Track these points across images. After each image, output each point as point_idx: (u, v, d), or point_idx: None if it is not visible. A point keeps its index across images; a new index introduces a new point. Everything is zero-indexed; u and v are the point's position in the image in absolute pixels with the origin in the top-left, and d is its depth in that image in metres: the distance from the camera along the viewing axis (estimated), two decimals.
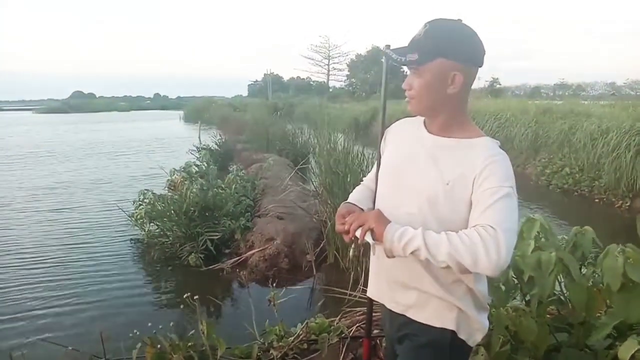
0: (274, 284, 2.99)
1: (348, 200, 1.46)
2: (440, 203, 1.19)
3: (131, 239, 5.72)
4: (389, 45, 1.25)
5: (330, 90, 53.36)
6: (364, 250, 3.95)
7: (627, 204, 7.51)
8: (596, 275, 1.93)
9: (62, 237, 5.95)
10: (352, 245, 1.34)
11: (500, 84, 39.59)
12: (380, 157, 1.43)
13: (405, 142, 1.35)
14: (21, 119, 40.10)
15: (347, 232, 1.24)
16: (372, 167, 1.51)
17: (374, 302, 1.49)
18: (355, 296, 3.62)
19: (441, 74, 1.18)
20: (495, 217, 1.08)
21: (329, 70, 54.09)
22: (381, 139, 1.46)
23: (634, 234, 1.80)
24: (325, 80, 55.12)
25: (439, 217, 1.19)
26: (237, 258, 4.84)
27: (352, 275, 4.08)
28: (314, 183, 5.80)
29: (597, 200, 8.19)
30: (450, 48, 1.17)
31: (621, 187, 7.78)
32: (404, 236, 1.11)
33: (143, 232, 5.44)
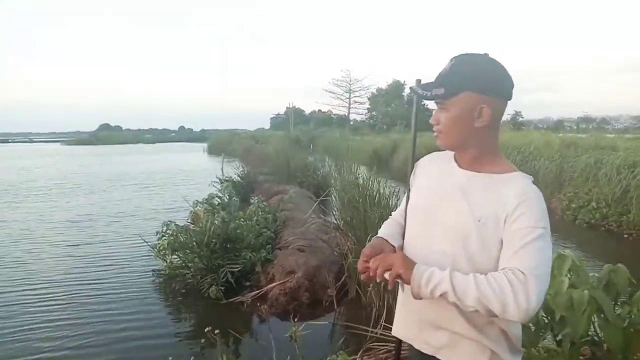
0: (295, 319, 2.94)
1: (378, 235, 1.43)
2: (472, 241, 1.16)
3: (153, 271, 5.75)
4: (420, 80, 1.27)
5: (351, 123, 53.77)
6: (385, 285, 3.88)
7: None
8: (632, 315, 1.85)
9: (81, 270, 5.97)
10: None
11: (522, 117, 39.46)
12: (409, 192, 1.41)
13: (435, 177, 1.33)
14: (50, 151, 41.30)
15: (371, 276, 1.22)
16: (397, 200, 1.50)
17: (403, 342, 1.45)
18: (377, 333, 3.53)
19: (468, 107, 1.17)
20: (527, 261, 1.04)
21: (350, 104, 54.66)
22: (411, 172, 1.44)
23: None
24: (346, 114, 55.64)
25: (470, 255, 1.16)
26: (258, 291, 4.79)
27: (374, 311, 4.00)
28: (335, 215, 5.77)
29: (625, 236, 7.95)
30: (476, 81, 1.17)
31: None
32: (431, 280, 1.09)
33: (165, 264, 5.46)
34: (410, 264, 1.15)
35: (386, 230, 1.47)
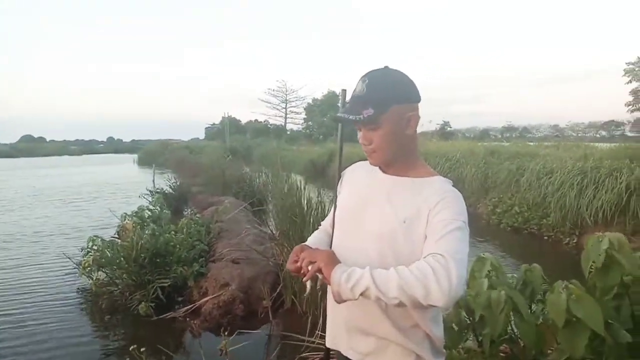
0: (226, 332, 2.88)
1: (306, 243, 1.44)
2: (400, 242, 1.19)
3: (78, 289, 5.44)
4: (345, 90, 1.30)
5: (288, 133, 53.91)
6: (322, 294, 3.90)
7: (574, 241, 7.80)
8: (545, 312, 1.97)
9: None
10: (308, 284, 1.32)
11: (450, 127, 41.26)
12: (336, 199, 1.43)
13: (361, 185, 1.37)
14: None
15: (299, 269, 1.22)
16: (330, 209, 1.51)
17: (332, 351, 1.45)
18: (313, 342, 3.54)
19: (399, 120, 1.23)
20: (447, 247, 1.08)
21: (286, 114, 54.85)
22: (338, 182, 1.47)
23: (581, 270, 1.85)
24: (283, 124, 55.75)
25: (399, 257, 1.18)
26: (190, 306, 4.65)
27: (309, 320, 4.00)
28: (271, 226, 5.73)
29: (546, 238, 8.48)
30: (399, 92, 1.23)
31: (567, 224, 8.11)
32: (351, 277, 1.08)
33: (91, 281, 5.18)
34: (334, 261, 1.15)
35: (314, 239, 1.48)
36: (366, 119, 1.19)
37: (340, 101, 1.41)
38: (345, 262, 1.17)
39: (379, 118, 1.20)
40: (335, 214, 1.40)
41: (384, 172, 1.33)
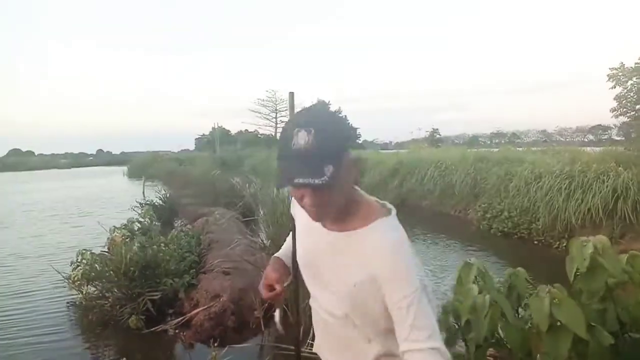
0: (216, 344, 2.87)
1: (279, 254, 1.44)
2: (357, 303, 1.14)
3: (67, 303, 5.39)
4: (293, 93, 1.24)
5: None
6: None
7: (564, 245, 7.86)
8: (532, 316, 1.98)
9: None
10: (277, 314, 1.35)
11: (440, 134, 41.58)
12: (294, 222, 1.37)
13: (306, 235, 1.28)
14: None
15: (277, 296, 1.27)
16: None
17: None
18: (305, 352, 3.52)
19: (349, 169, 1.07)
20: (424, 333, 1.04)
21: (276, 124, 54.85)
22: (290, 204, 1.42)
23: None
24: (273, 133, 55.75)
25: (362, 316, 1.16)
26: (181, 318, 4.63)
27: (302, 329, 3.98)
28: (262, 235, 5.72)
29: (535, 242, 8.54)
30: (347, 137, 1.12)
31: (556, 228, 8.18)
32: None
33: (81, 295, 5.14)
34: None
35: (284, 250, 1.48)
36: (329, 178, 0.97)
37: (288, 105, 1.35)
38: (318, 313, 1.26)
39: (339, 174, 1.00)
40: (297, 258, 1.33)
41: (323, 225, 1.19)
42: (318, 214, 1.11)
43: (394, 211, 1.18)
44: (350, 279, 1.12)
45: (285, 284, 1.34)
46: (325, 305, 1.23)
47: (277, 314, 1.30)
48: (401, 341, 1.07)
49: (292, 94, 1.35)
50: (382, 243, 1.10)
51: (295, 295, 1.38)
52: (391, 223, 1.15)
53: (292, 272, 1.39)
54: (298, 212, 1.28)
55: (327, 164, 0.98)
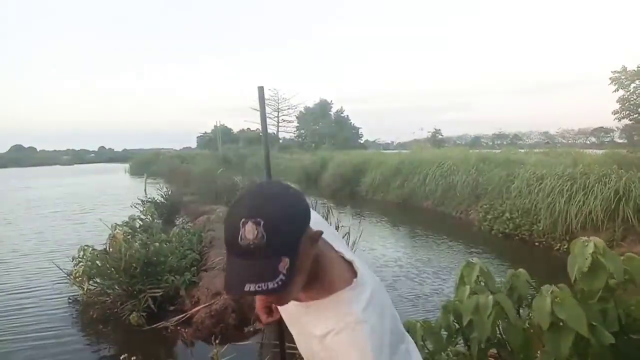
0: (217, 341, 2.88)
1: None
2: None
3: (69, 299, 5.41)
4: (262, 87, 1.18)
5: (280, 141, 53.99)
6: None
7: (565, 247, 7.85)
8: (532, 317, 1.99)
9: None
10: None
11: (442, 135, 41.54)
12: None
13: None
14: None
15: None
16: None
17: None
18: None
19: (309, 249, 0.93)
20: None
21: (278, 122, 54.87)
22: None
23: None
24: (275, 132, 55.78)
25: None
26: (182, 315, 4.64)
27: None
28: None
29: (537, 244, 8.53)
30: (303, 218, 0.92)
31: (558, 230, 8.18)
32: None
33: (82, 291, 5.15)
34: None
35: None
36: (288, 274, 0.85)
37: (258, 100, 1.30)
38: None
39: (295, 265, 0.87)
40: None
41: None
42: (279, 304, 1.04)
43: (359, 275, 1.03)
44: (314, 349, 1.03)
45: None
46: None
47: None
48: None
49: (261, 88, 1.29)
50: (340, 323, 0.97)
51: None
52: (353, 296, 1.00)
53: None
54: None
55: (281, 258, 0.85)
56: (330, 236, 1.10)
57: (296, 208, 0.91)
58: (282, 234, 0.85)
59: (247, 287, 0.83)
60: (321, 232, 0.96)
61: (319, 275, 1.00)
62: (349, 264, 1.05)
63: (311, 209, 0.98)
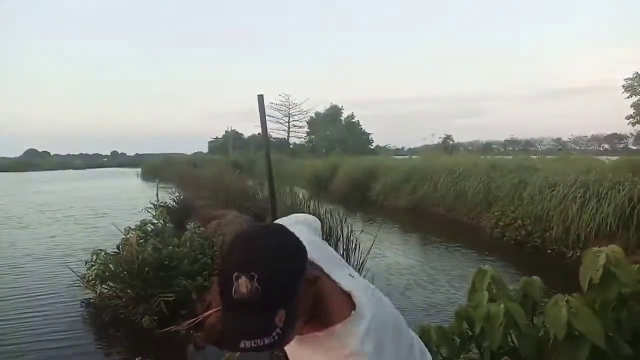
0: None
1: None
2: None
3: (82, 302, 5.46)
4: (262, 95, 1.18)
5: (291, 146, 54.15)
6: None
7: (578, 254, 7.76)
8: (547, 325, 1.98)
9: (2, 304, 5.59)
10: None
11: (453, 140, 41.38)
12: None
13: None
14: None
15: None
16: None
17: None
18: None
19: (304, 298, 0.90)
20: None
21: (289, 128, 55.06)
22: None
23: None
24: (286, 137, 55.95)
25: None
26: (194, 319, 4.65)
27: None
28: None
29: (549, 251, 8.45)
30: (299, 265, 0.89)
31: (570, 237, 8.09)
32: None
33: (94, 294, 5.20)
34: None
35: None
36: (285, 329, 0.83)
37: (258, 108, 1.29)
38: None
39: (294, 315, 0.86)
40: None
41: None
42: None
43: (357, 308, 1.00)
44: None
45: None
46: None
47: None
48: None
49: (261, 97, 1.30)
50: (329, 358, 0.97)
51: None
52: (349, 330, 0.98)
53: None
54: None
55: (277, 311, 0.83)
56: (328, 262, 1.07)
57: (291, 256, 0.89)
58: (277, 286, 0.83)
59: (242, 344, 0.80)
60: (318, 276, 0.95)
61: (318, 312, 0.97)
62: (348, 297, 1.01)
63: (307, 229, 1.01)
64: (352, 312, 0.98)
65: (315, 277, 0.94)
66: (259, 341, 0.80)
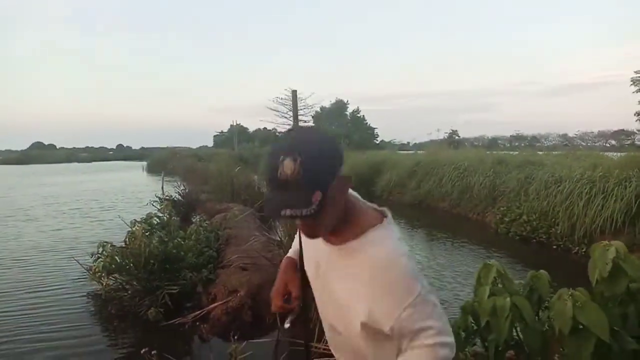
0: (235, 337, 2.90)
1: (292, 254, 1.46)
2: (347, 317, 1.13)
3: (88, 294, 5.50)
4: (296, 91, 1.22)
5: None
6: None
7: (583, 251, 7.75)
8: (552, 319, 1.98)
9: (9, 296, 5.66)
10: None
11: (459, 136, 41.29)
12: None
13: (310, 247, 1.28)
14: None
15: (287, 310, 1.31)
16: None
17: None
18: (320, 348, 3.55)
19: (341, 189, 1.07)
20: (432, 331, 1.03)
21: (294, 122, 54.99)
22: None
23: (589, 279, 1.87)
24: None
25: (349, 329, 1.14)
26: (199, 312, 4.69)
27: (317, 327, 4.02)
28: (279, 232, 5.76)
29: (554, 247, 8.42)
30: (337, 160, 1.04)
31: (576, 233, 8.06)
32: None
33: (101, 286, 5.24)
34: None
35: (295, 249, 1.49)
36: (317, 206, 0.97)
37: (292, 103, 1.33)
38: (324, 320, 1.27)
39: (328, 199, 1.00)
40: (303, 266, 1.35)
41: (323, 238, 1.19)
42: (311, 235, 1.12)
43: (389, 217, 1.17)
44: (343, 295, 1.12)
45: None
46: (328, 318, 1.24)
47: (287, 323, 1.30)
48: (406, 345, 1.05)
49: (294, 92, 1.34)
50: (377, 258, 1.07)
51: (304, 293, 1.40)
52: (384, 232, 1.12)
53: (300, 276, 1.39)
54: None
55: (314, 191, 0.97)
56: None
57: (332, 150, 1.03)
58: (317, 170, 0.97)
59: (283, 212, 0.96)
60: (351, 178, 1.09)
61: (351, 219, 1.12)
62: (380, 212, 1.19)
63: None
64: (385, 219, 1.15)
65: (349, 178, 1.08)
66: (296, 211, 0.96)
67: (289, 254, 1.49)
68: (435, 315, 1.04)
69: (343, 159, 1.07)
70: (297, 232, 1.38)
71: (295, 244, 1.50)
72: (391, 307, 1.03)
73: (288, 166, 0.96)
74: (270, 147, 1.05)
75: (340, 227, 1.12)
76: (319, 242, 1.18)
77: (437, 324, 1.03)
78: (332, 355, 1.49)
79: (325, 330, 1.33)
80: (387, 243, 1.09)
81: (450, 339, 1.04)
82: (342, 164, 1.06)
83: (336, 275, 1.15)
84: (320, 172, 0.98)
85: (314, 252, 1.24)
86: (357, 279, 1.08)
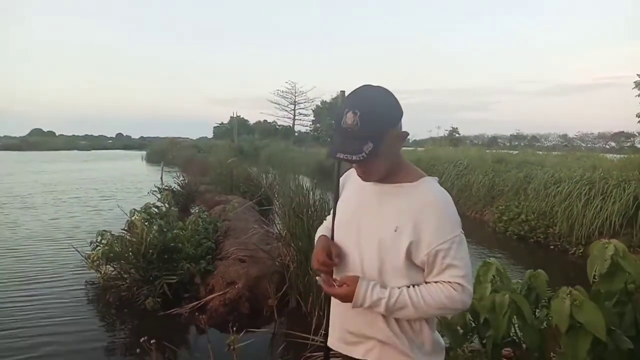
0: (234, 329, 2.92)
1: (323, 232, 1.51)
2: (388, 247, 1.26)
3: (86, 282, 5.51)
4: (344, 92, 1.33)
5: (296, 134, 54.06)
6: (325, 295, 3.94)
7: (581, 251, 7.78)
8: (550, 317, 1.99)
9: (6, 283, 5.66)
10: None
11: (459, 133, 41.26)
12: (336, 203, 1.49)
13: (356, 192, 1.40)
14: None
15: (327, 273, 1.36)
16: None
17: (332, 351, 1.51)
18: (316, 341, 3.58)
19: (394, 142, 1.26)
20: (457, 272, 1.22)
21: (294, 115, 54.90)
22: (337, 189, 1.52)
23: (586, 280, 1.88)
24: (291, 125, 55.84)
25: (391, 262, 1.26)
26: (197, 302, 4.71)
27: (314, 320, 4.05)
28: (278, 226, 5.77)
29: (552, 247, 8.45)
30: (393, 117, 1.24)
31: (574, 234, 8.09)
32: (391, 297, 1.24)
33: (99, 275, 5.25)
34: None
35: (325, 225, 1.56)
36: (368, 155, 1.17)
37: (339, 104, 1.41)
38: (345, 266, 1.35)
39: (378, 150, 1.18)
40: (335, 219, 1.45)
41: (374, 183, 1.36)
42: (365, 177, 1.32)
43: (437, 178, 1.36)
44: (391, 224, 1.26)
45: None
46: (358, 254, 1.33)
47: (321, 280, 1.36)
48: (432, 277, 1.25)
49: (342, 92, 1.49)
50: (432, 195, 1.27)
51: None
52: (437, 184, 1.33)
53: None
54: (350, 179, 1.47)
55: (367, 142, 1.16)
56: None
57: (389, 109, 1.23)
58: (373, 124, 1.17)
59: (338, 155, 1.18)
60: (407, 134, 1.29)
61: (405, 169, 1.33)
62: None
63: None
64: (427, 176, 1.34)
65: (405, 134, 1.28)
66: (348, 156, 1.17)
67: (322, 233, 1.53)
68: (466, 260, 1.23)
69: (399, 118, 1.25)
70: (334, 199, 1.52)
71: (326, 223, 1.57)
72: (435, 236, 1.21)
73: (349, 118, 1.17)
74: (343, 101, 1.28)
75: (394, 174, 1.30)
76: (368, 188, 1.35)
77: (466, 269, 1.22)
78: (329, 348, 1.51)
79: (338, 272, 1.39)
80: (441, 189, 1.31)
81: (471, 286, 1.22)
82: (397, 123, 1.24)
83: (385, 207, 1.30)
84: (374, 126, 1.17)
85: (360, 198, 1.37)
86: (413, 208, 1.25)
